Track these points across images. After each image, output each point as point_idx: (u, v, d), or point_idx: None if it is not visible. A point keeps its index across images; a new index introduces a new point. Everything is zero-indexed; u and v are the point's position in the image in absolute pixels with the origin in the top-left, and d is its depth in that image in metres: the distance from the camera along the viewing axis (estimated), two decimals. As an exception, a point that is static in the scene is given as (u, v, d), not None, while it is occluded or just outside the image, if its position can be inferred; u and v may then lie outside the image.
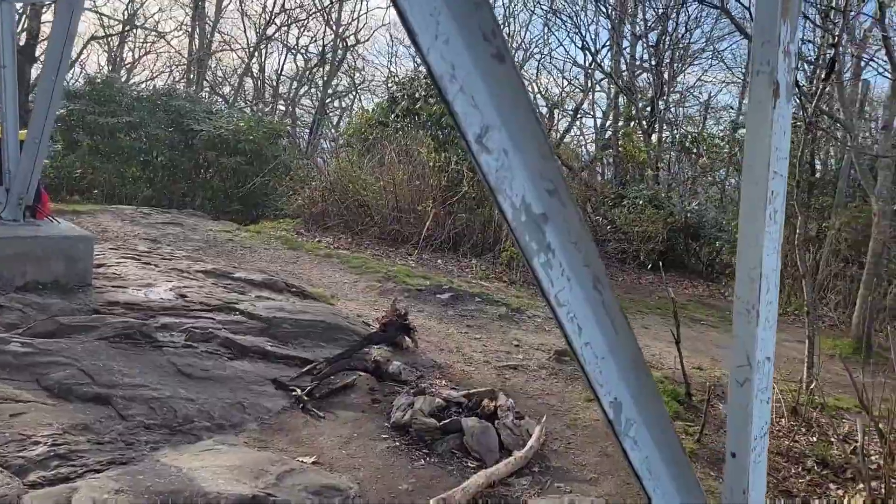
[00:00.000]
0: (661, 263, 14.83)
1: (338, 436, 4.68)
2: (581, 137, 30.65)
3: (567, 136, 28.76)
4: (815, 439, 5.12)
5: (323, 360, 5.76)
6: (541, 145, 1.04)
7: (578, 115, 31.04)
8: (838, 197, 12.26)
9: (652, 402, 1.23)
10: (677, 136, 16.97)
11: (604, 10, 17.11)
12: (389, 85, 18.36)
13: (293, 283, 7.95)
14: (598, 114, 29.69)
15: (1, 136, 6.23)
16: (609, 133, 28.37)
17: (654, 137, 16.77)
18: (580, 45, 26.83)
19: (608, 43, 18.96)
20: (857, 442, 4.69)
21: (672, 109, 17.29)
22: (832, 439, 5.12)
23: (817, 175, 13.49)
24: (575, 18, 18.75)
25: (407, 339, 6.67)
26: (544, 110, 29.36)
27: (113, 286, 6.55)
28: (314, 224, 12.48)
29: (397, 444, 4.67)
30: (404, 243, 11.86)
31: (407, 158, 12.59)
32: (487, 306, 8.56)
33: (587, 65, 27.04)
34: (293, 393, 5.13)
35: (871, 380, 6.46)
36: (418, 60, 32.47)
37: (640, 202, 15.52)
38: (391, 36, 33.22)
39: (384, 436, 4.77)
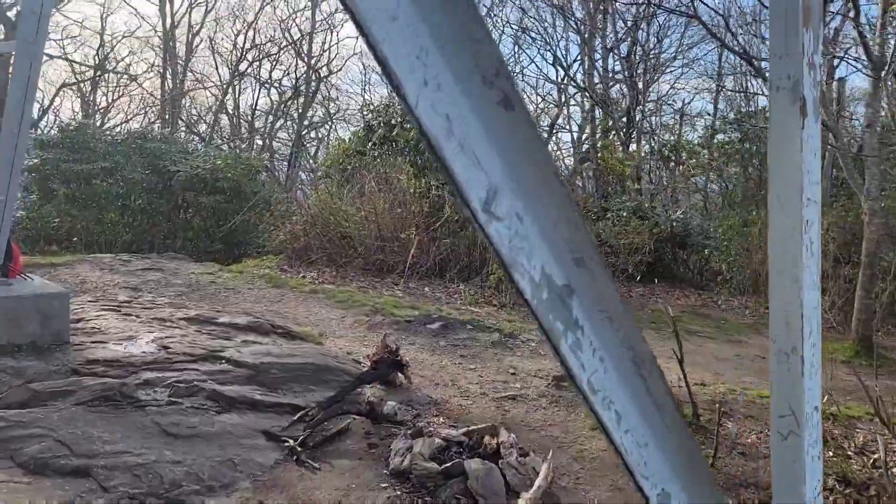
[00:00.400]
0: (650, 275, 14.86)
1: (335, 488, 4.44)
2: (558, 152, 30.82)
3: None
4: (830, 453, 4.95)
5: (314, 405, 5.52)
6: (562, 205, 0.87)
7: (554, 131, 31.27)
8: (822, 197, 12.27)
9: (707, 493, 1.06)
10: (655, 146, 17.00)
11: (573, 25, 17.18)
12: (364, 113, 18.27)
13: (279, 324, 7.71)
14: (574, 128, 29.92)
15: (-35, 194, 5.98)
16: (586, 146, 28.58)
17: (632, 148, 16.77)
18: (552, 62, 27.05)
19: (579, 57, 19.06)
20: (874, 454, 4.53)
21: (648, 119, 17.32)
22: (849, 452, 4.96)
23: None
24: (545, 35, 18.85)
25: (400, 375, 6.45)
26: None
27: (92, 342, 6.28)
28: (297, 259, 12.25)
29: (398, 492, 4.44)
30: (389, 273, 11.66)
31: (387, 186, 12.44)
32: (480, 333, 8.37)
33: (560, 80, 27.24)
34: (285, 444, 4.89)
35: (875, 382, 6.34)
36: (391, 88, 32.59)
37: (625, 214, 15.47)
38: (364, 65, 33.25)
39: (384, 484, 4.54)
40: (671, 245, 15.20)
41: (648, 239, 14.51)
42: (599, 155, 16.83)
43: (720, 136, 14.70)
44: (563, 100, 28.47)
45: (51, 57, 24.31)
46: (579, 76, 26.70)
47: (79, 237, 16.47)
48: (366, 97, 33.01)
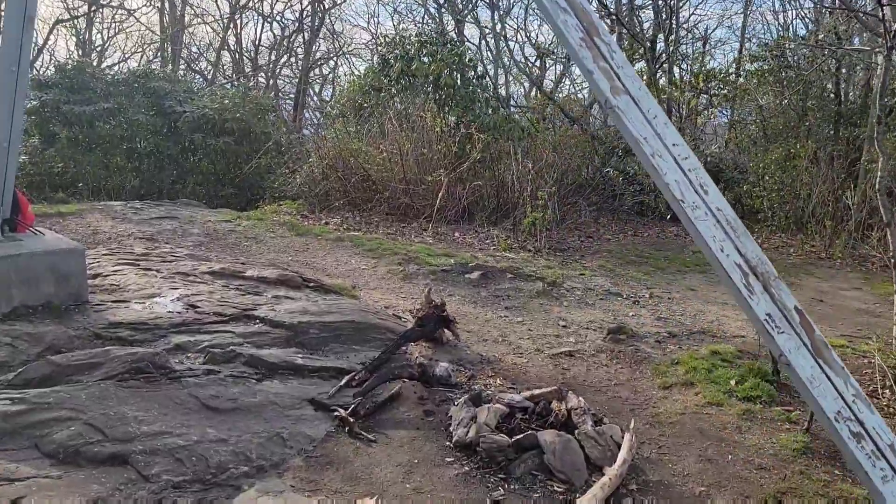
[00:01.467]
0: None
1: (396, 464, 4.00)
2: (575, 85, 29.65)
3: (561, 84, 27.77)
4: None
5: (361, 367, 5.06)
6: None
7: (571, 62, 30.01)
8: (870, 128, 11.46)
9: None
10: (685, 76, 16.05)
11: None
12: (379, 46, 17.28)
13: (310, 277, 7.21)
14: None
15: (-36, 142, 5.38)
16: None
17: (662, 79, 15.84)
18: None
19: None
20: None
21: (678, 47, 16.29)
22: None
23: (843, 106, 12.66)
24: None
25: (447, 332, 5.98)
26: (534, 59, 28.28)
27: (113, 301, 5.80)
28: (318, 204, 11.67)
29: (466, 468, 4.00)
30: (416, 217, 11.09)
31: (409, 125, 11.71)
32: (521, 283, 7.86)
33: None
34: (335, 413, 4.44)
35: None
36: (397, 20, 31.02)
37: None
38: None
39: (448, 459, 4.10)
40: (703, 182, 14.51)
41: (680, 175, 13.83)
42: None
43: (754, 65, 13.77)
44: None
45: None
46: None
47: (84, 182, 15.87)
48: (373, 31, 31.71)
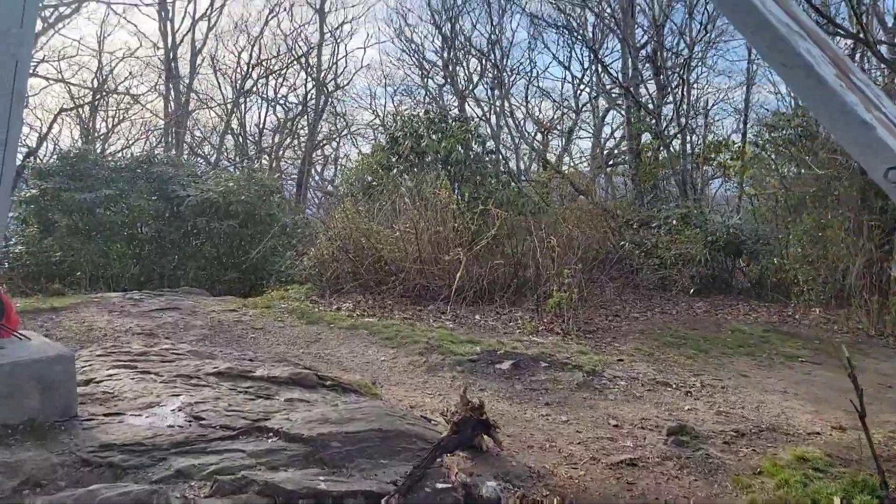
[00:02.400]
0: (704, 287, 13.60)
1: None
2: (576, 158, 29.72)
3: (565, 157, 27.75)
4: None
5: (393, 490, 4.29)
6: None
7: (572, 137, 30.17)
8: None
9: None
10: (697, 148, 15.79)
11: (610, 24, 16.06)
12: (386, 125, 17.13)
13: (325, 374, 6.49)
14: (592, 131, 28.74)
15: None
16: (619, 150, 27.37)
17: (674, 149, 15.55)
18: (587, 61, 25.95)
19: (609, 55, 17.87)
20: None
21: (690, 119, 16.11)
22: None
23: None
24: (574, 33, 17.74)
25: (487, 438, 5.23)
26: (538, 135, 28.40)
27: (105, 413, 5.07)
28: (328, 288, 11.05)
29: None
30: (433, 299, 10.45)
31: (422, 203, 11.24)
32: (558, 372, 7.13)
33: (589, 80, 26.08)
34: (369, 556, 3.66)
35: None
36: (398, 100, 31.38)
37: (674, 222, 14.26)
38: (369, 78, 32.21)
39: None
40: (725, 253, 13.98)
41: (703, 248, 13.30)
42: (642, 159, 15.61)
43: (772, 134, 13.47)
44: (589, 102, 27.37)
45: (48, 81, 23.34)
46: (604, 77, 25.61)
47: (83, 271, 15.31)
48: (373, 111, 32.03)
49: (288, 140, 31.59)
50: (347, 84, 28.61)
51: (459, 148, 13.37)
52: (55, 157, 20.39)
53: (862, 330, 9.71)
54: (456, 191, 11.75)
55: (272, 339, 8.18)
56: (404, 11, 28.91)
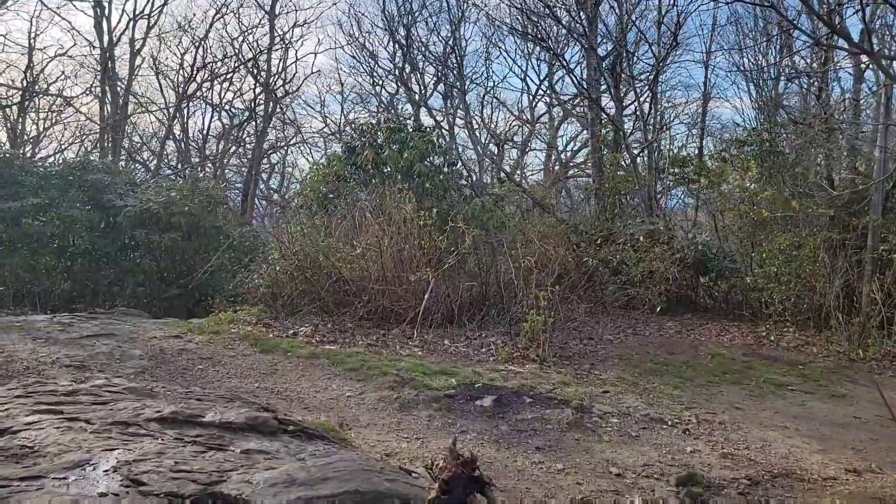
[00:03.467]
0: (671, 306, 13.26)
1: None
2: (529, 170, 29.45)
3: (518, 170, 27.45)
4: None
5: (379, 572, 3.56)
6: None
7: (527, 149, 29.91)
8: (872, 212, 10.84)
9: None
10: (663, 162, 15.53)
11: (575, 33, 15.70)
12: (343, 133, 16.31)
13: (286, 416, 5.68)
14: (546, 143, 28.51)
15: None
16: (576, 163, 27.17)
17: (639, 164, 15.25)
18: (543, 72, 25.70)
19: (578, 63, 17.54)
20: None
21: (657, 134, 15.84)
22: None
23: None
24: (542, 38, 17.34)
25: (480, 497, 4.54)
26: (492, 146, 28.02)
27: (22, 477, 4.16)
28: (282, 310, 10.18)
29: None
30: (398, 322, 9.71)
31: (385, 218, 10.50)
32: (544, 409, 6.50)
33: (542, 91, 25.82)
34: None
35: None
36: (348, 108, 30.49)
37: (641, 238, 13.92)
38: (319, 86, 31.23)
39: None
40: (693, 271, 13.70)
41: (671, 265, 12.97)
42: (606, 172, 15.24)
43: (740, 150, 13.28)
44: (548, 111, 27.14)
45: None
46: (561, 88, 25.38)
47: (6, 286, 13.96)
48: (326, 119, 31.09)
49: (233, 148, 30.31)
50: (297, 90, 27.60)
51: (424, 160, 12.69)
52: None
53: (843, 354, 9.45)
54: (428, 206, 11.05)
55: (222, 371, 7.29)
56: (357, 16, 28.03)
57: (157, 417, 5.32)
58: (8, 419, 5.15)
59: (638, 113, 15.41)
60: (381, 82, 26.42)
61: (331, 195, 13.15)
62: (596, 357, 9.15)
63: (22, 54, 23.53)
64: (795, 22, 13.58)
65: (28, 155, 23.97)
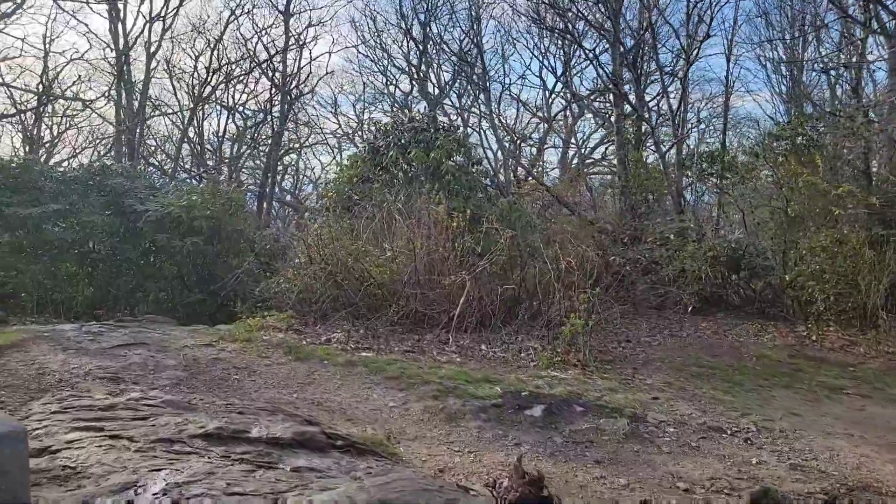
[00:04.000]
0: (704, 305, 12.95)
1: None
2: (547, 168, 29.12)
3: (535, 168, 27.15)
4: None
5: None
6: None
7: (545, 146, 29.58)
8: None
9: None
10: (695, 158, 15.18)
11: (600, 27, 15.40)
12: (366, 133, 16.10)
13: (333, 430, 5.45)
14: (563, 140, 28.20)
15: None
16: (597, 159, 26.84)
17: (668, 159, 14.94)
18: (586, 62, 25.36)
19: (597, 57, 17.22)
20: None
21: (687, 128, 15.51)
22: None
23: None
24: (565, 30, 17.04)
25: (549, 517, 4.29)
26: (510, 144, 27.74)
27: (69, 501, 3.95)
28: (311, 314, 9.96)
29: None
30: (431, 327, 9.48)
31: (415, 220, 10.27)
32: (597, 418, 6.24)
33: (559, 87, 25.48)
34: None
35: None
36: (359, 108, 30.28)
37: (671, 236, 13.61)
38: (333, 86, 31.03)
39: None
40: (725, 269, 13.37)
41: (703, 264, 12.66)
42: (631, 169, 14.93)
43: (776, 144, 12.95)
44: (567, 108, 26.81)
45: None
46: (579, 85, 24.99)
47: (28, 294, 13.83)
48: (339, 120, 30.89)
49: (247, 150, 30.18)
50: (311, 91, 27.39)
51: (450, 159, 12.45)
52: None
53: (893, 353, 9.13)
54: (460, 206, 10.81)
55: (259, 382, 7.07)
56: (372, 14, 27.79)
57: (202, 433, 5.10)
58: (47, 437, 4.97)
59: (663, 107, 15.09)
60: (395, 81, 26.21)
61: (355, 196, 12.92)
62: (637, 361, 8.88)
63: (38, 59, 23.48)
64: (822, 14, 13.26)
65: (43, 160, 23.93)
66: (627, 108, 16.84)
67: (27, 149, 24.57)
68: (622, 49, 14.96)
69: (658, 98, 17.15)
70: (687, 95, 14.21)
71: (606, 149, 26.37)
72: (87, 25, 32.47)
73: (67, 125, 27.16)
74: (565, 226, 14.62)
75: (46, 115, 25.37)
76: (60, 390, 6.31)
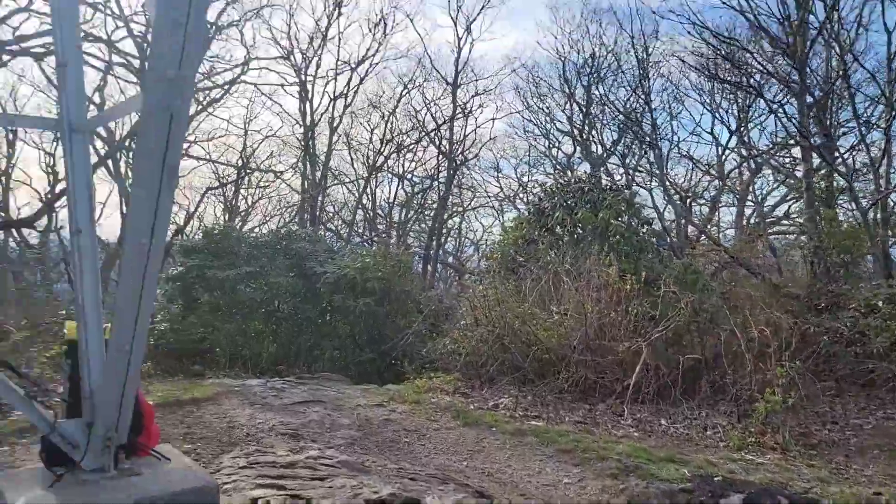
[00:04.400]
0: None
1: None
2: (722, 228, 27.26)
3: (709, 227, 25.49)
4: None
5: None
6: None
7: (719, 204, 27.83)
8: None
9: None
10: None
11: (783, 79, 14.39)
12: (529, 195, 16.13)
13: (508, 505, 5.17)
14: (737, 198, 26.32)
15: (75, 338, 4.02)
16: (779, 217, 24.84)
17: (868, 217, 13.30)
18: (732, 124, 24.15)
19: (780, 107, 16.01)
20: None
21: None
22: None
23: None
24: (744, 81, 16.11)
25: None
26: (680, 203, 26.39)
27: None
28: (477, 378, 9.83)
29: None
30: (603, 397, 8.94)
31: (584, 282, 9.89)
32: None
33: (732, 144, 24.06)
34: None
35: None
36: (520, 170, 30.47)
37: (880, 303, 11.97)
38: (495, 151, 31.63)
39: None
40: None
41: (923, 335, 10.92)
42: (825, 228, 13.50)
43: None
44: (744, 164, 25.29)
45: (198, 161, 24.47)
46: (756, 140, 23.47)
47: (222, 349, 15.06)
48: (500, 183, 31.37)
49: (414, 214, 31.53)
50: (475, 157, 28.19)
51: (618, 219, 12.01)
52: (200, 233, 20.98)
53: None
54: (633, 268, 10.34)
55: (429, 446, 6.98)
56: (535, 81, 28.30)
57: (376, 500, 5.05)
58: (235, 492, 5.14)
59: (859, 160, 13.60)
60: (557, 143, 26.25)
61: (520, 258, 12.82)
62: (849, 446, 7.70)
63: (238, 137, 26.45)
64: None
65: (239, 227, 26.61)
66: (816, 161, 15.43)
67: (226, 217, 27.48)
68: (810, 98, 13.78)
69: (853, 150, 15.48)
70: (891, 146, 12.61)
71: (790, 206, 24.34)
72: (280, 105, 36.30)
73: (260, 195, 30.16)
74: (748, 290, 13.44)
75: (244, 186, 28.34)
76: (248, 444, 6.62)
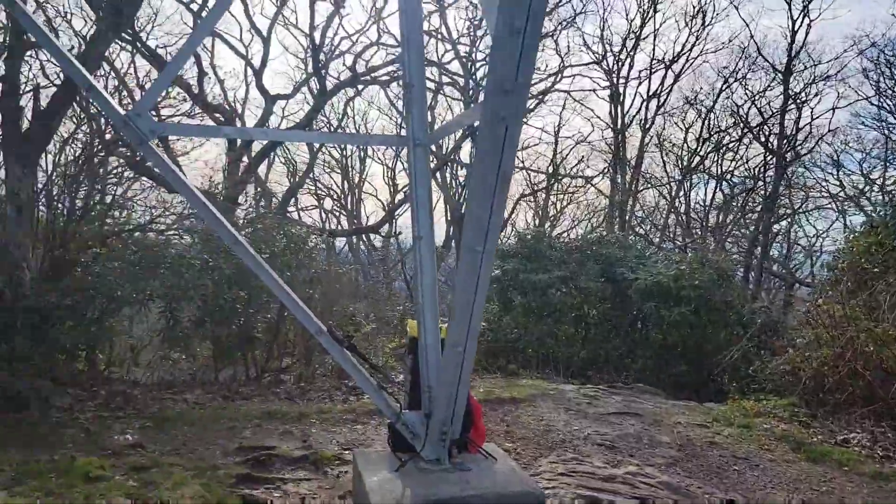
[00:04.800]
0: None
1: None
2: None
3: None
4: None
5: None
6: None
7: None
8: None
9: None
10: None
11: None
12: (886, 195, 13.61)
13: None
14: None
15: (417, 336, 4.38)
16: None
17: None
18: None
19: None
20: None
21: None
22: None
23: None
24: None
25: None
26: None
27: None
28: (817, 404, 8.51)
29: None
30: None
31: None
32: None
33: None
34: None
35: None
36: (866, 166, 25.72)
37: None
38: (833, 144, 27.25)
39: None
40: None
41: None
42: None
43: None
44: None
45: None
46: None
47: (533, 350, 15.55)
48: (841, 181, 27.06)
49: (733, 218, 28.92)
50: (808, 153, 24.73)
51: None
52: (513, 238, 22.06)
53: None
54: None
55: (764, 479, 6.20)
56: (891, 61, 23.70)
57: (706, 532, 4.60)
58: (554, 499, 5.14)
59: None
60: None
61: (875, 269, 10.81)
62: None
63: (549, 144, 27.23)
64: None
65: (548, 231, 27.36)
66: None
67: (537, 222, 28.48)
68: None
69: None
70: None
71: None
72: (592, 110, 36.31)
73: (569, 200, 30.63)
74: None
75: (554, 192, 29.07)
76: (564, 450, 6.63)
